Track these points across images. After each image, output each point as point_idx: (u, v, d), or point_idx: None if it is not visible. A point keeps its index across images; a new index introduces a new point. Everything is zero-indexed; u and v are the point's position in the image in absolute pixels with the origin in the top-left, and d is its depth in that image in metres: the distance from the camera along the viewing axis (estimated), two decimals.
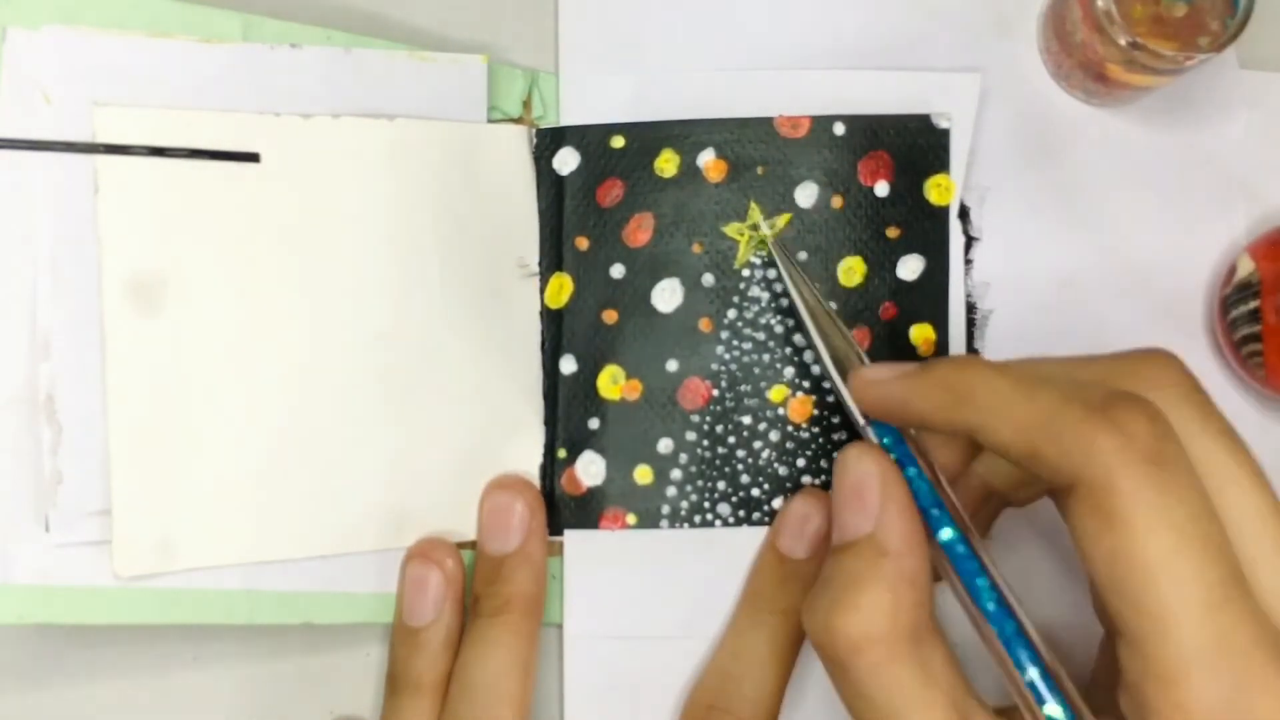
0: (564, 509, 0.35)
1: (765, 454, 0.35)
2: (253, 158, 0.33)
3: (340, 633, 0.35)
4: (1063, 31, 0.35)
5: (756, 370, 0.36)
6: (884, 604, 0.25)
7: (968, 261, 0.36)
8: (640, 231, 0.36)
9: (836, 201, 0.36)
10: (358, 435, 0.34)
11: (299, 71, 0.34)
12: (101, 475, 0.31)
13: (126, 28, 0.32)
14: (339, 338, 0.34)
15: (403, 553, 0.34)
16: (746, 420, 0.35)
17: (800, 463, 0.35)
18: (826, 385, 0.35)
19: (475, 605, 0.33)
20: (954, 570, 0.26)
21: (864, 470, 0.27)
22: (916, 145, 0.36)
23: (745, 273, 0.36)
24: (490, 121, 0.36)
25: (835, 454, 0.29)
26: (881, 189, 0.36)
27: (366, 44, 0.35)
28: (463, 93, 0.35)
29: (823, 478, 0.35)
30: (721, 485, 0.35)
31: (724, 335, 0.36)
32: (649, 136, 0.36)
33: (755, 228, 0.36)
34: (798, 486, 0.35)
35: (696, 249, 0.36)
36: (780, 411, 0.35)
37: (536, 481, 0.35)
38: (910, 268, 0.36)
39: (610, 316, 0.36)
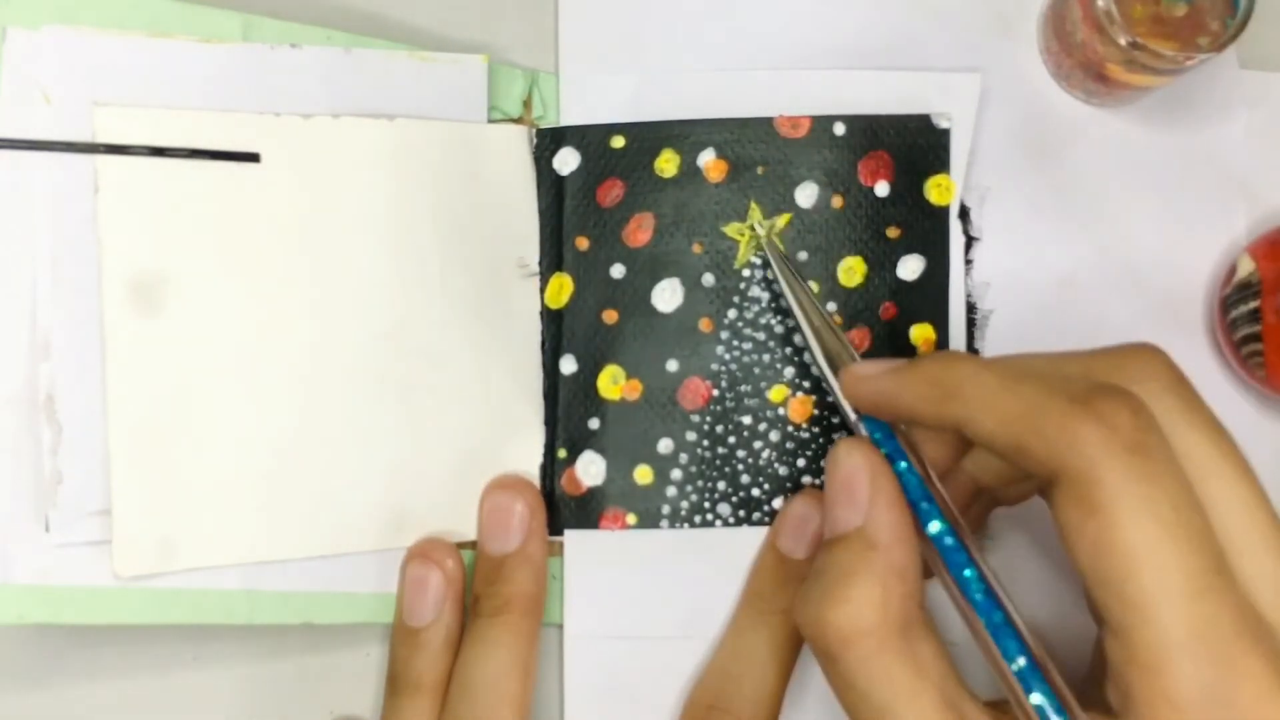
0: (564, 509, 0.35)
1: (765, 454, 0.35)
2: (253, 158, 0.33)
3: (340, 633, 0.35)
4: (1063, 31, 0.35)
5: (757, 370, 0.36)
6: (873, 596, 0.25)
7: (968, 261, 0.36)
8: (640, 231, 0.36)
9: (837, 201, 0.36)
10: (357, 435, 0.34)
11: (299, 71, 0.34)
12: (101, 475, 0.31)
13: (126, 28, 0.32)
14: (339, 338, 0.34)
15: (403, 553, 0.34)
16: (747, 420, 0.35)
17: (800, 463, 0.35)
18: (826, 386, 0.35)
19: (475, 605, 0.33)
20: (942, 562, 0.26)
21: (853, 465, 0.27)
22: (916, 145, 0.36)
23: (745, 273, 0.36)
24: (490, 121, 0.36)
25: None
26: (881, 189, 0.36)
27: (366, 44, 0.35)
28: (463, 93, 0.35)
29: (823, 478, 0.35)
30: (721, 485, 0.35)
31: (724, 335, 0.36)
32: (649, 136, 0.36)
33: (755, 228, 0.36)
34: (798, 486, 0.35)
35: (697, 249, 0.36)
36: (780, 411, 0.35)
37: (536, 481, 0.35)
38: (910, 268, 0.36)
39: (610, 316, 0.36)
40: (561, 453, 0.36)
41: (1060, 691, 0.24)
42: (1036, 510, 0.29)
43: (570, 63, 0.37)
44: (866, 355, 0.34)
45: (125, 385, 0.32)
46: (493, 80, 0.36)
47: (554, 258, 0.36)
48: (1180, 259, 0.37)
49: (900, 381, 0.28)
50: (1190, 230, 0.37)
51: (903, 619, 0.25)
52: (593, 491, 0.35)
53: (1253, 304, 0.34)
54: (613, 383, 0.36)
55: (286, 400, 0.33)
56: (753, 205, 0.36)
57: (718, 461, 0.35)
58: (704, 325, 0.36)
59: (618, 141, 0.36)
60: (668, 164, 0.36)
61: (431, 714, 0.33)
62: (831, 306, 0.36)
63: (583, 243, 0.36)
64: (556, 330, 0.36)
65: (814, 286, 0.36)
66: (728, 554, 0.35)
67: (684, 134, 0.36)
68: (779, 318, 0.36)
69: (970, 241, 0.36)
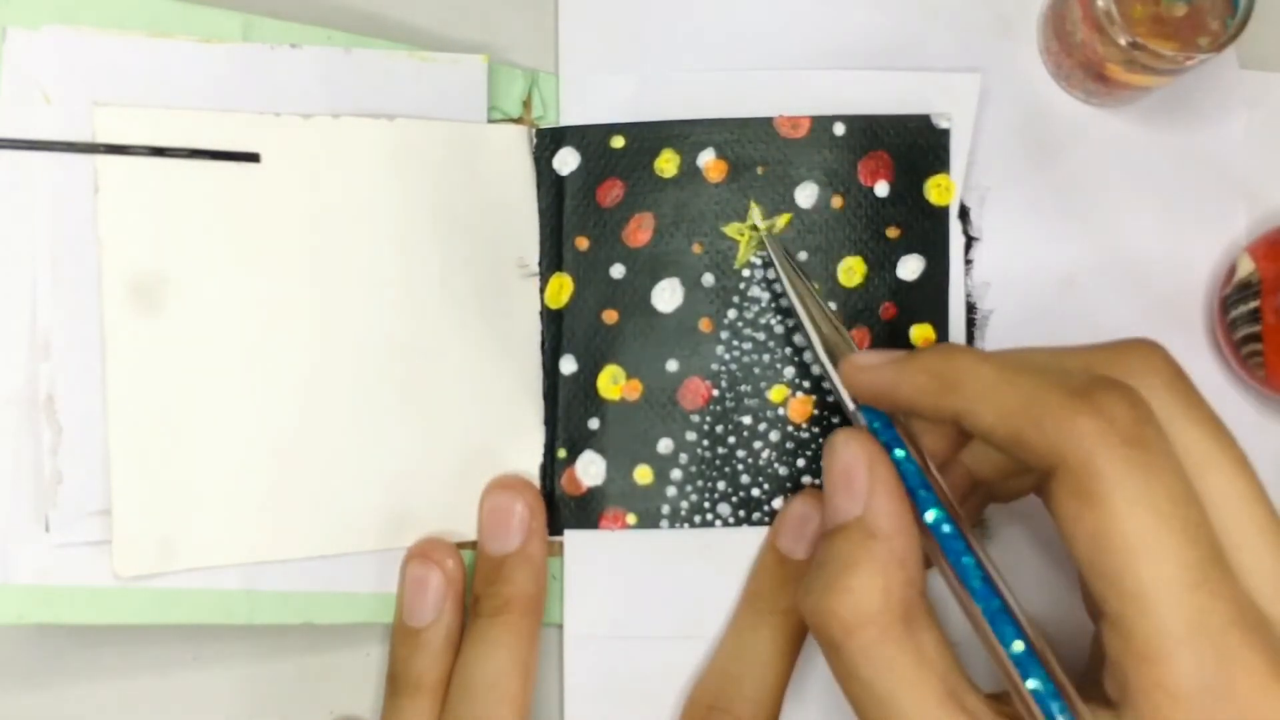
0: (564, 509, 0.35)
1: (765, 454, 0.35)
2: (253, 158, 0.33)
3: (340, 633, 0.35)
4: (1063, 31, 0.35)
5: (757, 370, 0.36)
6: (875, 585, 0.25)
7: (968, 261, 0.36)
8: (640, 231, 0.36)
9: (836, 201, 0.36)
10: (357, 435, 0.34)
11: (299, 71, 0.34)
12: (101, 475, 0.31)
13: (126, 28, 0.32)
14: (338, 338, 0.34)
15: (403, 553, 0.34)
16: (747, 420, 0.35)
17: (800, 463, 0.35)
18: (826, 385, 0.35)
19: (475, 605, 0.33)
20: (940, 550, 0.26)
21: (851, 454, 0.27)
22: (916, 145, 0.36)
23: (745, 273, 0.36)
24: (490, 121, 0.36)
25: None
26: (881, 189, 0.36)
27: (366, 44, 0.35)
28: (463, 93, 0.35)
29: (822, 477, 0.35)
30: (721, 485, 0.35)
31: (724, 335, 0.36)
32: (649, 136, 0.36)
33: (755, 227, 0.36)
34: (798, 486, 0.35)
35: (696, 249, 0.36)
36: (780, 411, 0.35)
37: (536, 481, 0.35)
38: (910, 268, 0.36)
39: (610, 316, 0.36)
40: (561, 453, 0.36)
41: (1058, 678, 0.24)
42: (1033, 505, 0.30)
43: (570, 63, 0.37)
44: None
45: (125, 385, 0.32)
46: (493, 80, 0.36)
47: (554, 258, 0.36)
48: (1180, 259, 0.37)
49: (900, 372, 0.28)
50: (1190, 230, 0.37)
51: (904, 608, 0.25)
52: (593, 491, 0.35)
53: (1253, 304, 0.34)
54: (613, 383, 0.36)
55: (286, 400, 0.33)
56: (753, 205, 0.36)
57: (718, 461, 0.35)
58: (704, 325, 0.36)
59: (618, 141, 0.36)
60: (668, 164, 0.36)
61: (431, 714, 0.33)
62: (832, 306, 0.36)
63: (583, 243, 0.36)
64: (556, 330, 0.36)
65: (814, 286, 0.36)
66: (728, 554, 0.35)
67: (684, 134, 0.36)
68: (779, 317, 0.36)
69: (970, 241, 0.36)
